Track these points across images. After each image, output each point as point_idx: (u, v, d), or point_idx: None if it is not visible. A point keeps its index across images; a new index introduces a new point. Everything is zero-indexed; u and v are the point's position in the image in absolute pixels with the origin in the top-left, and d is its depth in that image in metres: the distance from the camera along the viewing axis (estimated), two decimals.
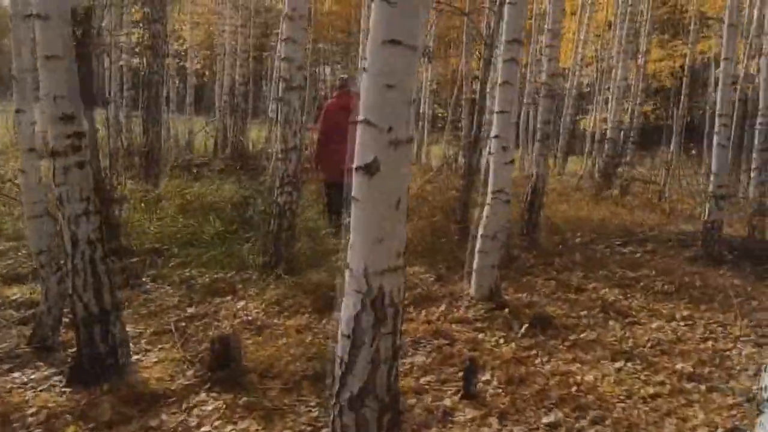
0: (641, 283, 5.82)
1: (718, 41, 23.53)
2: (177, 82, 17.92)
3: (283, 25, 5.11)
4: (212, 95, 25.38)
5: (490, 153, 4.83)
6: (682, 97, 16.92)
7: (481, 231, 4.90)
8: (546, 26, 6.88)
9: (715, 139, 6.51)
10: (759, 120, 7.76)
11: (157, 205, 6.65)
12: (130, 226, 5.79)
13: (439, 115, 20.16)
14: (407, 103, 2.16)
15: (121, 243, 5.43)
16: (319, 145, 7.21)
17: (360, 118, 2.18)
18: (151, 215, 6.24)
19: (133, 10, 15.27)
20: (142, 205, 6.45)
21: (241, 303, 4.67)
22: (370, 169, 2.13)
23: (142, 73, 7.53)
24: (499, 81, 4.76)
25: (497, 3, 7.03)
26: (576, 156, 21.03)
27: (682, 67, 24.05)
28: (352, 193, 2.20)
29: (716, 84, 18.63)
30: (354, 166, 2.19)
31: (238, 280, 5.05)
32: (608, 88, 19.61)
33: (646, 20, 15.21)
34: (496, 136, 4.79)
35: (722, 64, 6.44)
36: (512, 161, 4.87)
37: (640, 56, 20.75)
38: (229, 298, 4.79)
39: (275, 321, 4.36)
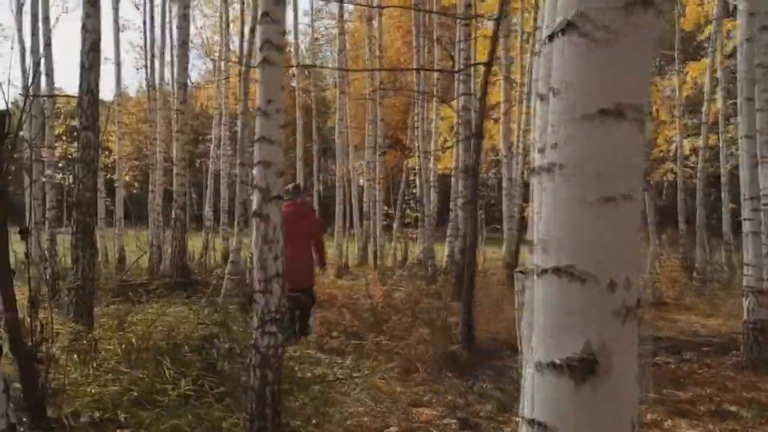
0: (703, 407, 4.82)
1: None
2: (105, 195, 16.50)
3: (257, 122, 4.07)
4: (142, 206, 24.01)
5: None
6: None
7: None
8: None
9: (746, 226, 5.77)
10: (763, 201, 7.12)
11: (94, 352, 5.28)
12: (61, 389, 4.42)
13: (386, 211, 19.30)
14: (637, 230, 1.15)
15: (47, 416, 4.08)
16: None
17: (545, 263, 1.14)
18: (88, 368, 4.87)
19: (56, 123, 14.08)
20: (75, 355, 5.07)
21: None
22: (580, 367, 1.06)
23: (72, 188, 6.31)
24: None
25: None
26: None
27: None
28: (535, 414, 1.12)
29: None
30: (537, 359, 1.13)
31: None
32: None
33: None
34: None
35: (743, 142, 5.80)
36: None
37: None
38: None
39: None
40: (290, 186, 7.65)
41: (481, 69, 7.67)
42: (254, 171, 4.10)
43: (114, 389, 4.58)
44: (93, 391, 4.54)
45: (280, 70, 4.16)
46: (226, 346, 5.19)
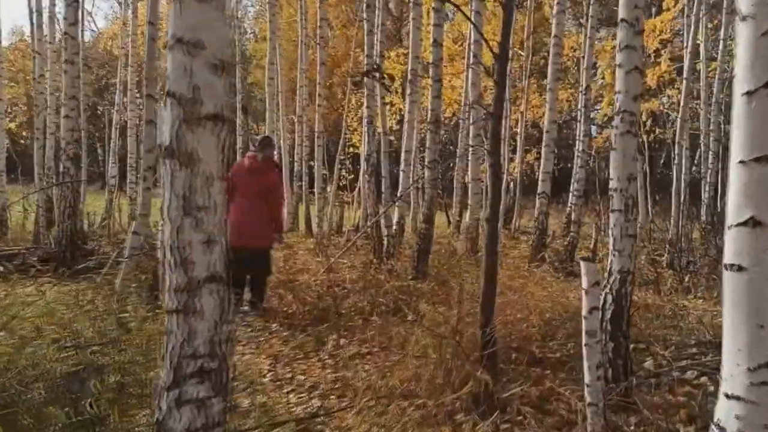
0: None
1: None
2: None
3: None
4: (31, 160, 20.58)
5: (731, 267, 1.89)
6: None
7: None
8: None
9: None
10: None
11: None
12: None
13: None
14: None
15: None
16: None
17: None
18: None
19: None
20: None
21: None
22: None
23: None
24: None
25: None
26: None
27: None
28: None
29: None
30: None
31: None
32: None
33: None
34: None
35: None
36: None
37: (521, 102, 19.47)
38: None
39: None
40: (259, 137, 7.03)
41: None
42: (168, 63, 1.97)
43: None
44: None
45: None
46: (114, 379, 3.06)
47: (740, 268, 1.87)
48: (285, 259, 10.29)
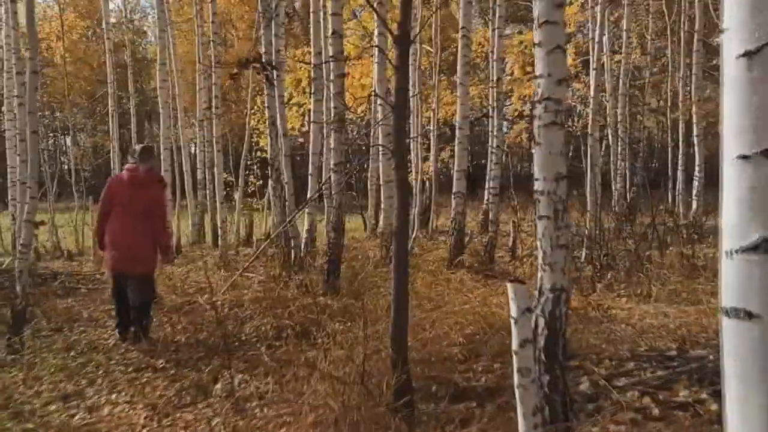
0: None
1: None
2: None
3: None
4: None
5: (735, 313, 1.30)
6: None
7: None
8: None
9: None
10: None
11: None
12: None
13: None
14: None
15: None
16: (98, 224, 6.10)
17: None
18: None
19: None
20: None
21: None
22: None
23: None
24: None
25: None
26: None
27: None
28: None
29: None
30: None
31: None
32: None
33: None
34: None
35: None
36: None
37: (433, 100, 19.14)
38: None
39: None
40: (138, 146, 6.19)
41: None
42: None
43: None
44: None
45: None
46: None
47: (749, 315, 1.25)
48: (184, 277, 9.35)
